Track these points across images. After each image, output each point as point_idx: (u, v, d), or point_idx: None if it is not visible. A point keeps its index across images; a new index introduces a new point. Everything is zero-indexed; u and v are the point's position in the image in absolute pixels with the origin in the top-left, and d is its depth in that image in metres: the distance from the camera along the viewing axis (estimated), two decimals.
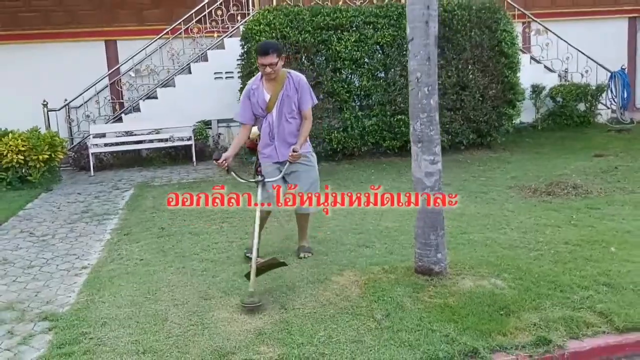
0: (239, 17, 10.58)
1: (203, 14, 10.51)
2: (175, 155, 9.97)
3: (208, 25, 10.58)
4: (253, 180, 4.44)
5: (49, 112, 9.97)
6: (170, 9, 10.99)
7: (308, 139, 4.65)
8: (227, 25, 10.59)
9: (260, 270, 3.99)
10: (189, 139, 9.57)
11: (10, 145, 8.11)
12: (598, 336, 3.23)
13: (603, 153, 8.89)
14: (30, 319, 3.82)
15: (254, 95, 4.47)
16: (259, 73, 4.48)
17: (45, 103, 9.91)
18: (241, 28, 9.49)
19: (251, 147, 4.77)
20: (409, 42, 3.73)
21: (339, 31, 8.71)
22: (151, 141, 9.77)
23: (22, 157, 8.17)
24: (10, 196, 7.74)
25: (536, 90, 11.75)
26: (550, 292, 3.71)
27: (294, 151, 4.33)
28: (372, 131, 8.98)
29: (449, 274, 4.01)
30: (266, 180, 4.39)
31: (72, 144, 10.37)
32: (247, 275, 3.94)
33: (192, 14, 10.41)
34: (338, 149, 9.02)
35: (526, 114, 11.88)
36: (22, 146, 8.14)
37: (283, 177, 4.48)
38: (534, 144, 10.26)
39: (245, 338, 3.34)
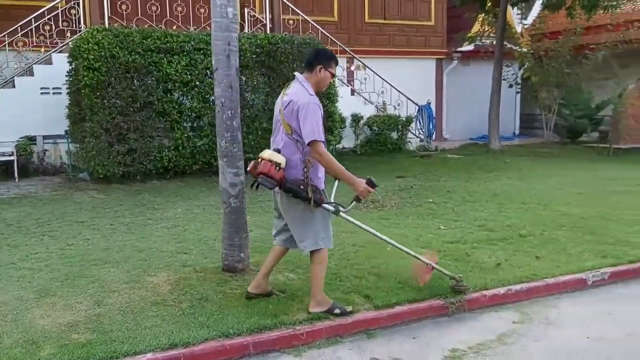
0: (68, 34, 10.53)
1: (30, 28, 10.31)
2: None
3: (35, 39, 10.39)
4: (348, 207, 3.97)
5: None
6: None
7: None
8: (56, 41, 10.48)
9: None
10: (11, 155, 9.30)
11: None
12: (361, 312, 4.05)
13: (405, 175, 10.26)
14: None
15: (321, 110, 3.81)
16: (309, 86, 3.85)
17: None
18: (70, 44, 9.51)
19: (277, 178, 3.72)
20: (214, 72, 4.38)
21: (170, 54, 9.16)
22: None
23: None
24: None
25: (356, 119, 13.13)
26: (331, 282, 4.50)
27: None
28: (204, 151, 9.49)
29: (252, 271, 4.67)
30: (343, 210, 3.98)
31: None
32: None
33: (17, 27, 10.16)
34: (169, 167, 9.38)
35: (348, 140, 13.22)
36: None
37: None
38: (352, 167, 11.18)
39: (58, 329, 3.67)
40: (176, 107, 9.28)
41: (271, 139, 4.03)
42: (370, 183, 3.86)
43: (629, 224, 6.40)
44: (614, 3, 13.27)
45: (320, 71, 3.88)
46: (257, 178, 3.75)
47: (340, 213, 3.98)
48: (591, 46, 14.91)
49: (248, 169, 3.84)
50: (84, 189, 8.73)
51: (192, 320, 3.80)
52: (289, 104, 3.77)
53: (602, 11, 13.34)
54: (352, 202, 4.01)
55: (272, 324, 3.78)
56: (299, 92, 3.80)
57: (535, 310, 4.38)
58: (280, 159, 3.72)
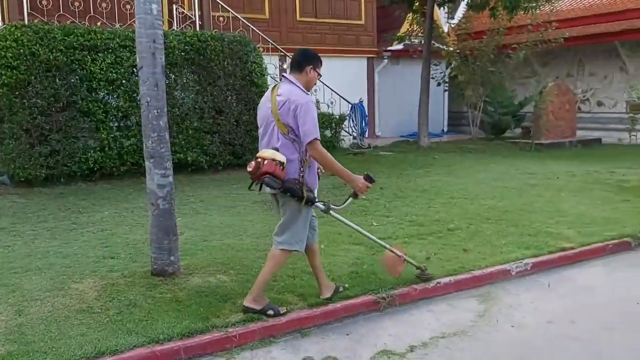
0: None
1: None
2: None
3: None
4: (342, 205, 4.09)
5: None
6: None
7: None
8: None
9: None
10: None
11: None
12: (294, 311, 4.05)
13: None
14: None
15: None
16: (301, 85, 3.86)
17: None
18: None
19: (277, 175, 3.67)
20: (139, 70, 4.26)
21: (94, 52, 8.84)
22: None
23: None
24: None
25: None
26: None
27: None
28: (132, 151, 9.21)
29: (182, 274, 4.57)
30: (336, 208, 4.07)
31: None
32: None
33: None
34: (95, 169, 9.05)
35: None
36: None
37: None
38: None
39: None
40: (101, 106, 8.98)
41: (261, 143, 3.95)
42: (368, 178, 3.91)
43: (549, 216, 6.73)
44: (534, 4, 13.89)
45: (310, 71, 3.90)
46: (263, 178, 3.67)
47: (331, 212, 4.03)
48: (513, 45, 15.54)
49: (249, 169, 3.73)
50: (3, 193, 8.29)
51: (120, 327, 3.68)
52: (285, 103, 3.74)
53: (522, 12, 13.92)
54: (348, 199, 4.09)
55: (204, 327, 3.71)
56: (294, 91, 3.79)
57: (463, 301, 4.52)
58: (282, 158, 3.69)
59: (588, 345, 3.73)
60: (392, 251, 4.51)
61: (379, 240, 4.57)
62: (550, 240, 5.75)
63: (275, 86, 3.95)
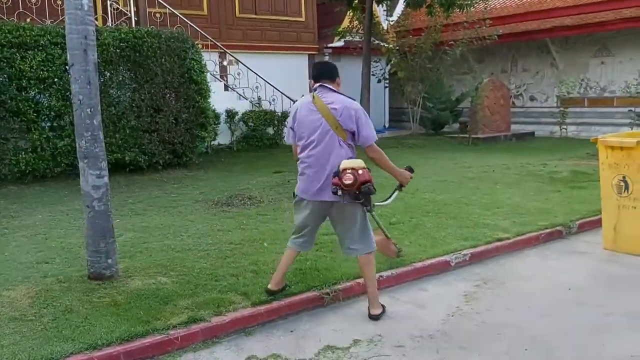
0: None
1: None
2: None
3: None
4: (389, 200, 4.43)
5: None
6: None
7: None
8: None
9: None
10: None
11: None
12: (238, 310, 4.01)
13: (282, 170, 10.32)
14: None
15: None
16: (339, 91, 4.06)
17: None
18: None
19: (372, 182, 3.85)
20: (70, 68, 4.11)
21: (23, 49, 8.47)
22: None
23: None
24: None
25: (230, 115, 13.00)
26: (206, 282, 4.43)
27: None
28: (66, 152, 8.89)
29: (121, 277, 4.45)
30: (382, 204, 4.40)
31: None
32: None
33: None
34: (27, 171, 8.69)
35: (223, 137, 13.07)
36: None
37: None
38: (228, 163, 11.34)
39: None
40: (32, 105, 8.62)
41: (311, 152, 3.91)
42: (410, 170, 4.28)
43: (486, 207, 6.95)
44: (469, 2, 14.27)
45: (339, 81, 4.12)
46: (367, 186, 3.78)
47: (373, 213, 4.21)
48: (450, 42, 15.94)
49: (348, 181, 3.73)
50: None
51: (55, 334, 3.55)
52: (343, 110, 3.87)
53: (458, 9, 14.28)
54: (393, 192, 4.38)
55: (144, 331, 3.63)
56: (345, 99, 3.96)
57: (405, 294, 4.60)
58: (363, 163, 3.83)
59: (524, 331, 3.87)
60: (385, 234, 4.84)
61: (384, 228, 4.94)
62: (487, 231, 5.94)
63: (313, 96, 3.98)
